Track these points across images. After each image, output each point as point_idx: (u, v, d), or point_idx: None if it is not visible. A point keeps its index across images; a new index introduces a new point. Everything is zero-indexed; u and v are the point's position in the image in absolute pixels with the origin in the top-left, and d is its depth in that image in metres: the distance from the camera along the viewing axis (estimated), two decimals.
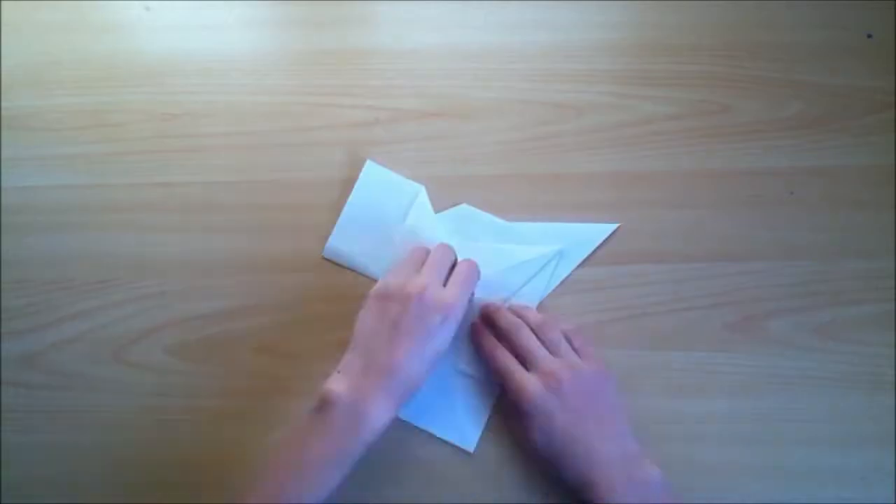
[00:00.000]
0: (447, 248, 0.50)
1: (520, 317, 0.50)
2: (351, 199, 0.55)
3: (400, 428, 0.50)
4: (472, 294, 0.50)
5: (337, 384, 0.43)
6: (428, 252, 0.50)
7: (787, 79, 0.57)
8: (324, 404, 0.43)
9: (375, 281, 0.50)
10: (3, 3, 0.60)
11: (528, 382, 0.46)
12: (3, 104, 0.58)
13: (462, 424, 0.50)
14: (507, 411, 0.50)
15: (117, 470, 0.51)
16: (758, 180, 0.55)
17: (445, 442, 0.50)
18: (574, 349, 0.49)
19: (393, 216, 0.54)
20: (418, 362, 0.44)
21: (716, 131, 0.56)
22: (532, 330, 0.49)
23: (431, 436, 0.50)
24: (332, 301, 0.53)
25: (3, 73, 0.59)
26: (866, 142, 0.55)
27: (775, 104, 0.56)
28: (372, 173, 0.55)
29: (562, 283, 0.53)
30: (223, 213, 0.55)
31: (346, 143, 0.56)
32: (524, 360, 0.48)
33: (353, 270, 0.54)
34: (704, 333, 0.52)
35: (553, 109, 0.57)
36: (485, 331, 0.51)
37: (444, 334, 0.45)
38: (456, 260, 0.50)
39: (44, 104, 0.58)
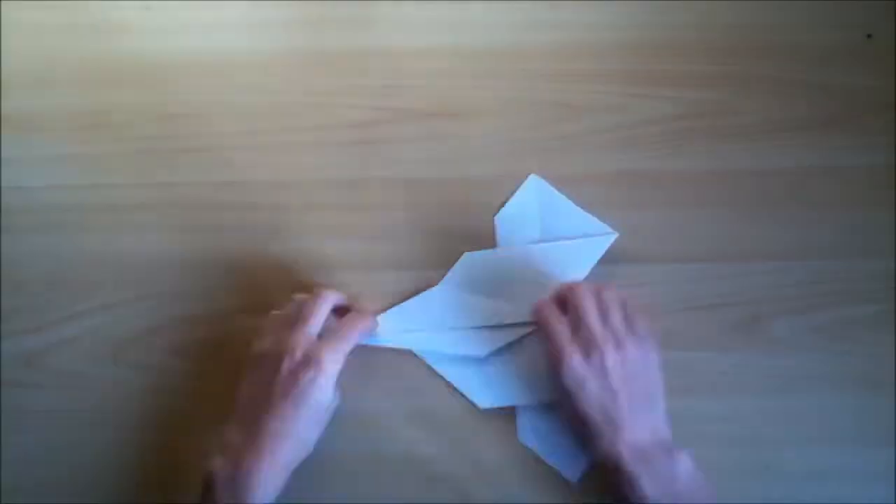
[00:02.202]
0: (320, 298, 0.48)
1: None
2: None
3: (400, 428, 0.50)
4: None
5: (214, 462, 0.43)
6: (310, 303, 0.48)
7: (787, 79, 0.57)
8: (205, 487, 0.42)
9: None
10: (2, 3, 0.60)
11: (568, 350, 0.44)
12: (3, 104, 0.58)
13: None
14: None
15: (117, 470, 0.51)
16: (759, 180, 0.55)
17: (447, 437, 0.50)
18: (629, 323, 0.47)
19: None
20: (301, 423, 0.44)
21: (717, 131, 0.56)
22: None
23: (432, 435, 0.50)
24: None
25: (3, 73, 0.59)
26: (866, 142, 0.55)
27: (776, 104, 0.56)
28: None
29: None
30: (223, 213, 0.55)
31: (346, 143, 0.56)
32: (573, 322, 0.46)
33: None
34: (704, 333, 0.52)
35: (553, 109, 0.57)
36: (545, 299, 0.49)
37: (319, 388, 0.44)
38: (349, 307, 0.50)
39: (44, 104, 0.58)
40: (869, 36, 0.57)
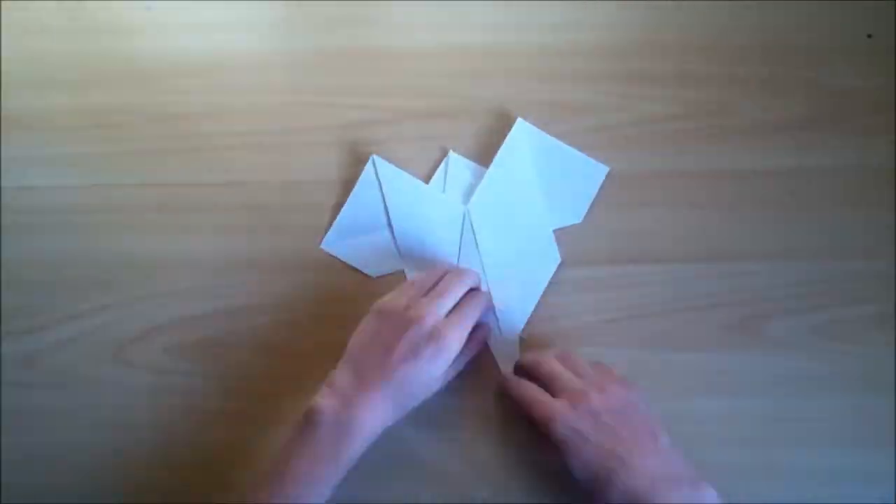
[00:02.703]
0: (462, 276, 0.49)
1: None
2: (354, 193, 0.55)
3: (399, 428, 0.50)
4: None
5: (323, 398, 0.44)
6: (444, 274, 0.49)
7: (786, 79, 0.57)
8: (309, 420, 0.43)
9: (371, 279, 0.51)
10: (2, 3, 0.60)
11: (554, 406, 0.44)
12: (3, 104, 0.58)
13: None
14: (541, 447, 0.47)
15: (117, 470, 0.51)
16: (758, 180, 0.55)
17: (447, 437, 0.50)
18: (598, 370, 0.48)
19: (395, 214, 0.54)
20: (407, 390, 0.45)
21: (716, 131, 0.56)
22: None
23: (432, 435, 0.50)
24: (332, 301, 0.53)
25: (3, 73, 0.59)
26: (866, 142, 0.55)
27: (775, 104, 0.56)
28: (378, 168, 0.55)
29: (563, 282, 0.53)
30: (223, 213, 0.55)
31: (346, 143, 0.56)
32: (550, 389, 0.46)
33: (349, 265, 0.54)
34: (704, 333, 0.52)
35: (553, 109, 0.57)
36: (508, 374, 0.50)
37: (434, 366, 0.45)
38: (475, 287, 0.50)
39: (44, 104, 0.58)
40: (869, 36, 0.57)
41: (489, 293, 0.52)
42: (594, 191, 0.54)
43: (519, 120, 0.55)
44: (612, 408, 0.44)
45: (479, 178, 0.55)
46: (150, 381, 0.52)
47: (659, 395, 0.50)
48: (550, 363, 0.47)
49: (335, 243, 0.54)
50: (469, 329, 0.47)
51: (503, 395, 0.50)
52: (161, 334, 0.53)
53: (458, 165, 0.55)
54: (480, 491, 0.49)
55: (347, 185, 0.56)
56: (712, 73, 0.57)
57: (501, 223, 0.54)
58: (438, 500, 0.49)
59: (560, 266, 0.53)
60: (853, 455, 0.50)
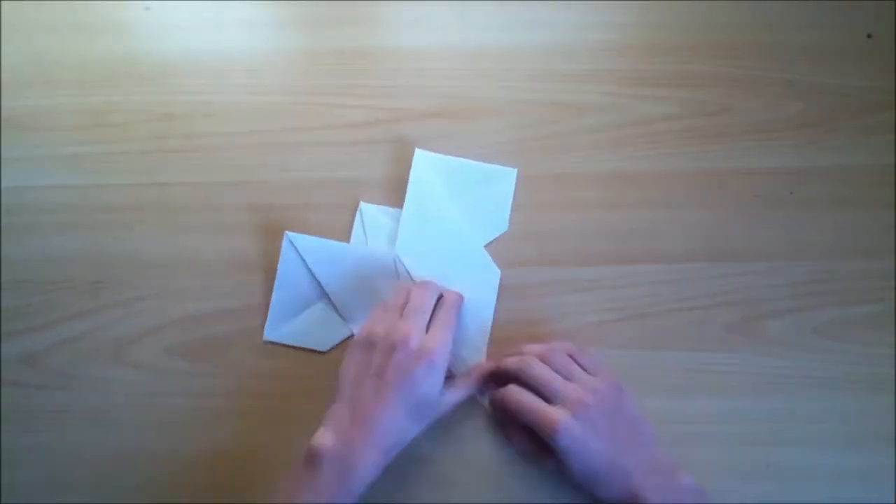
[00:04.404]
0: (428, 288, 0.49)
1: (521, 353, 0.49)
2: (278, 276, 0.53)
3: None
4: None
5: (324, 438, 0.43)
6: (409, 291, 0.49)
7: (787, 79, 0.57)
8: (312, 458, 0.43)
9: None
10: (3, 3, 0.60)
11: (557, 415, 0.44)
12: (3, 104, 0.58)
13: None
14: (530, 448, 0.48)
15: (117, 470, 0.51)
16: (758, 180, 0.55)
17: (447, 437, 0.50)
18: (583, 368, 0.48)
19: (327, 282, 0.53)
20: (405, 414, 0.44)
21: (716, 131, 0.56)
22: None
23: (432, 435, 0.50)
24: None
25: (3, 73, 0.59)
26: (866, 142, 0.55)
27: (775, 104, 0.56)
28: (295, 243, 0.54)
29: (562, 282, 0.53)
30: (223, 213, 0.55)
31: (346, 143, 0.56)
32: (542, 394, 0.46)
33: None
34: (704, 333, 0.52)
35: (553, 109, 0.57)
36: (489, 384, 0.50)
37: (430, 382, 0.44)
38: (441, 295, 0.50)
39: (44, 104, 0.58)
40: (869, 36, 0.57)
41: (457, 293, 0.51)
42: (510, 195, 0.55)
43: (417, 151, 0.55)
44: (606, 410, 0.45)
45: (396, 219, 0.54)
46: (150, 381, 0.52)
47: (659, 395, 0.51)
48: (536, 366, 0.47)
49: (277, 331, 0.53)
50: (451, 333, 0.46)
51: (496, 403, 0.49)
52: (161, 334, 0.53)
53: (372, 214, 0.55)
54: (481, 491, 0.49)
55: (347, 185, 0.55)
56: (712, 73, 0.57)
57: (431, 255, 0.53)
58: (438, 500, 0.49)
59: (560, 266, 0.53)
60: (853, 455, 0.50)
